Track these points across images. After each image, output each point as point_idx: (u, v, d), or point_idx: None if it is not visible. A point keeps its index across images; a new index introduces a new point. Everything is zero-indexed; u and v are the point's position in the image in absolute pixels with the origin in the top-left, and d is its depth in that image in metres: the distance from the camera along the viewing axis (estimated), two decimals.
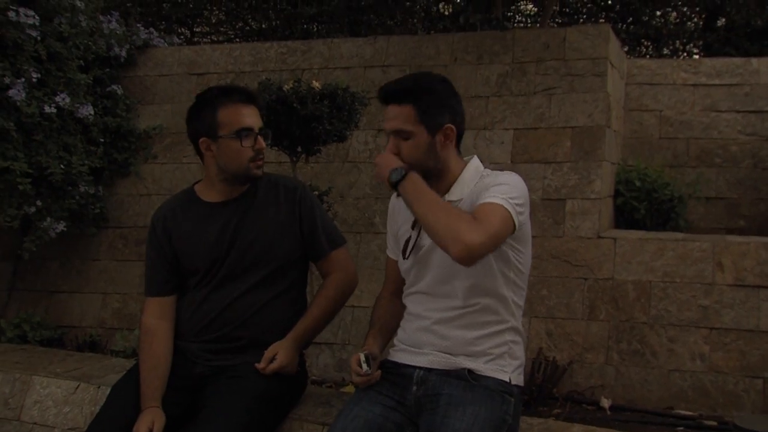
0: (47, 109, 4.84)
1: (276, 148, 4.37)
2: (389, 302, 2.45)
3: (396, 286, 2.43)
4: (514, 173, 2.20)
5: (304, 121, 4.09)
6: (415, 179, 2.10)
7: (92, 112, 5.16)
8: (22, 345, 4.71)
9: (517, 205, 2.09)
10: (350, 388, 4.45)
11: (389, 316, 2.40)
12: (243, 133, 2.55)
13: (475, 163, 2.26)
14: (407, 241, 2.27)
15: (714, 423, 4.00)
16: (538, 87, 5.09)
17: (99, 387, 3.28)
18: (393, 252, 2.43)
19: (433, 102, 2.14)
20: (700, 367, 4.27)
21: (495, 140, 5.06)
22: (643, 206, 5.18)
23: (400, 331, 2.36)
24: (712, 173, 5.77)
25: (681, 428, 3.92)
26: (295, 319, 2.62)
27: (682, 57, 7.90)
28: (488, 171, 2.24)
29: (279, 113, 4.09)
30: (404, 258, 2.28)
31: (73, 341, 5.15)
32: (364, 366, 2.18)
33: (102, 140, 5.37)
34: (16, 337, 5.00)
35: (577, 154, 4.85)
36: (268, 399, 2.58)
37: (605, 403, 4.24)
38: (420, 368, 2.21)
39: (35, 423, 3.37)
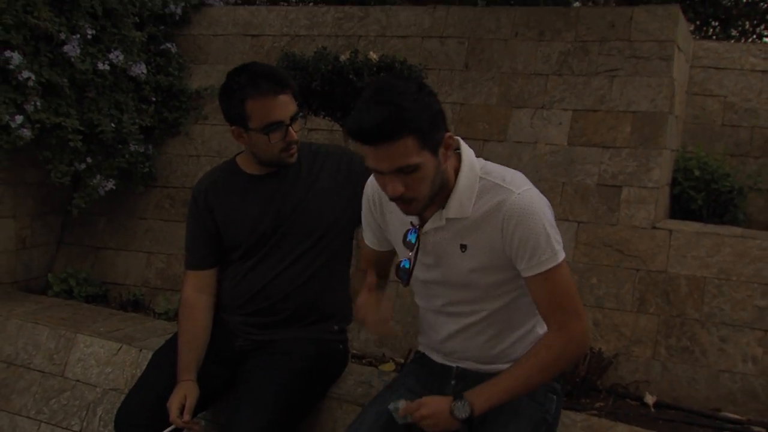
0: (101, 66, 4.81)
1: (329, 118, 4.30)
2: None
3: (370, 266, 2.23)
4: (517, 173, 1.96)
5: (360, 93, 4.00)
6: (482, 400, 1.89)
7: (145, 71, 5.13)
8: (68, 300, 4.77)
9: (556, 239, 1.89)
10: (389, 366, 4.42)
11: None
12: (272, 127, 2.48)
13: (467, 161, 1.94)
14: (404, 269, 2.08)
15: (762, 429, 3.88)
16: (600, 68, 4.92)
17: (141, 350, 3.34)
18: (371, 241, 2.25)
19: (427, 119, 1.80)
20: (751, 370, 4.15)
21: (553, 120, 4.92)
22: (700, 197, 5.02)
23: (421, 336, 2.27)
24: None
25: (728, 431, 3.82)
26: (338, 290, 2.57)
27: (751, 39, 7.60)
28: (485, 168, 1.95)
29: (334, 83, 4.00)
30: (404, 285, 2.12)
31: (117, 299, 5.19)
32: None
33: (154, 99, 5.34)
34: (63, 291, 5.06)
35: (636, 140, 4.69)
36: (308, 377, 2.57)
37: (650, 399, 4.15)
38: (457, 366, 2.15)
39: (78, 380, 3.44)
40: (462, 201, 1.91)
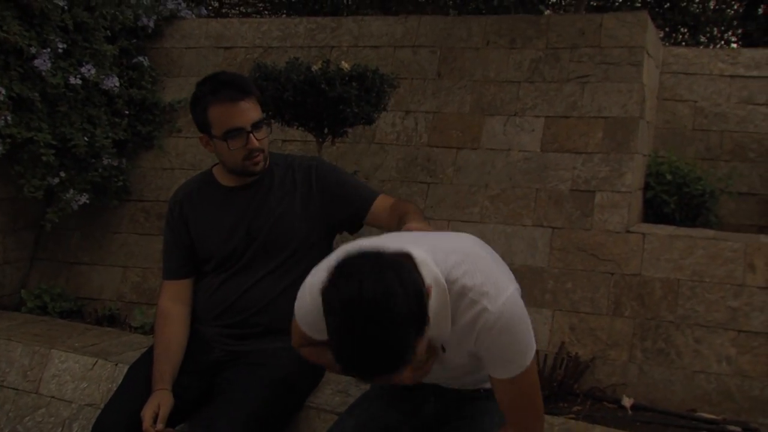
0: (72, 80, 4.78)
1: (302, 128, 4.31)
2: None
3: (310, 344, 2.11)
4: (486, 278, 1.76)
5: (332, 103, 4.02)
6: None
7: (117, 84, 5.11)
8: (42, 316, 4.72)
9: (530, 346, 1.79)
10: None
11: None
12: (231, 134, 2.48)
13: (433, 279, 1.72)
14: None
15: (738, 429, 3.91)
16: (571, 74, 4.97)
17: (117, 364, 3.31)
18: (314, 333, 2.00)
19: (415, 338, 1.59)
20: (726, 370, 4.18)
21: (525, 127, 4.95)
22: (673, 200, 5.06)
23: None
24: (746, 168, 5.62)
25: (704, 431, 3.85)
26: None
27: (719, 45, 7.70)
28: (450, 275, 1.75)
29: (306, 94, 4.02)
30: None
31: (92, 314, 5.14)
32: None
33: (127, 112, 5.32)
34: (37, 307, 5.01)
35: (608, 145, 4.73)
36: (285, 386, 2.56)
37: (627, 402, 4.17)
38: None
39: (53, 397, 3.40)
40: (440, 324, 1.76)
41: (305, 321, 1.98)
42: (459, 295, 1.75)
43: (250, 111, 2.48)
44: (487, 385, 2.03)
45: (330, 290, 1.57)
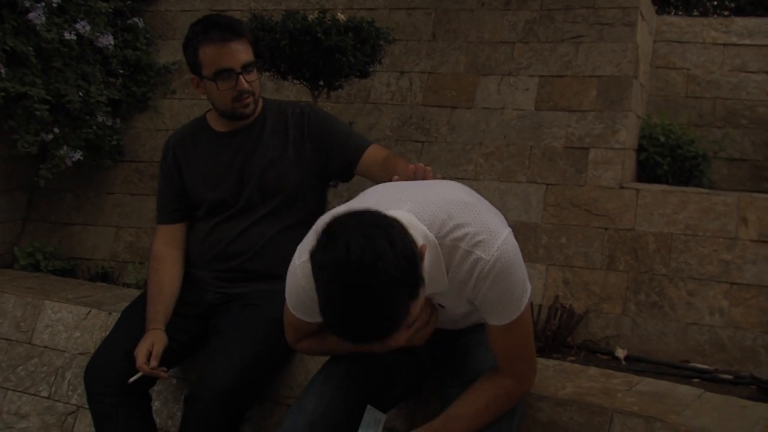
0: (67, 35, 4.77)
1: (297, 82, 4.31)
2: None
3: (305, 336, 2.11)
4: (478, 221, 1.75)
5: (328, 52, 4.02)
6: None
7: (112, 42, 5.09)
8: (35, 273, 4.70)
9: (525, 290, 1.81)
10: None
11: None
12: (221, 75, 2.49)
13: (421, 236, 1.70)
14: None
15: (729, 377, 3.94)
16: (565, 35, 4.99)
17: (110, 313, 3.29)
18: (305, 316, 1.98)
19: (408, 301, 1.58)
20: (718, 322, 4.21)
21: (519, 86, 4.97)
22: (666, 162, 5.08)
23: None
24: (738, 134, 5.65)
25: (696, 380, 3.87)
26: None
27: (713, 16, 7.73)
28: (436, 225, 1.74)
29: (302, 43, 4.02)
30: None
31: (85, 272, 5.13)
32: None
33: (121, 71, 5.30)
34: (29, 265, 4.98)
35: (602, 104, 4.76)
36: (279, 327, 2.56)
37: (620, 353, 4.19)
38: None
39: (46, 346, 3.39)
40: (435, 281, 1.74)
41: (299, 305, 1.93)
42: (452, 248, 1.74)
43: (240, 52, 2.49)
44: (478, 321, 2.04)
45: (317, 253, 1.53)
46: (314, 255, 1.54)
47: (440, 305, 1.87)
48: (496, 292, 1.75)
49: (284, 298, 1.98)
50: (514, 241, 1.79)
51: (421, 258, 1.59)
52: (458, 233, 1.73)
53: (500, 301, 1.77)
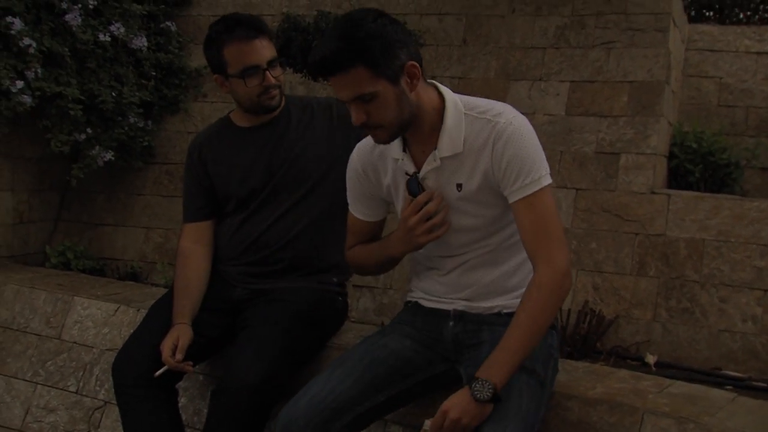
0: (102, 37, 4.83)
1: (328, 83, 4.32)
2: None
3: (361, 241, 2.25)
4: (499, 103, 1.97)
5: None
6: (497, 371, 1.82)
7: (145, 44, 5.15)
8: (66, 271, 4.75)
9: (543, 163, 1.91)
10: None
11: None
12: (248, 72, 2.50)
13: (450, 99, 1.95)
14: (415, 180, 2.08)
15: (764, 385, 3.88)
16: (597, 40, 4.97)
17: (138, 310, 3.30)
18: (362, 213, 2.20)
19: (379, 48, 1.80)
20: (751, 329, 4.15)
21: (550, 91, 4.95)
22: (698, 169, 5.03)
23: (414, 279, 2.24)
24: None
25: (729, 387, 3.81)
26: (337, 243, 2.55)
27: (746, 25, 7.68)
28: (468, 104, 1.96)
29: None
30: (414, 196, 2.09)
31: (114, 272, 5.17)
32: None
33: (153, 74, 5.36)
34: (60, 264, 5.04)
35: (634, 109, 4.73)
36: (307, 320, 2.55)
37: (651, 359, 4.14)
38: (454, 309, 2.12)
39: (75, 342, 3.40)
40: (452, 137, 1.93)
41: (353, 195, 2.18)
42: (474, 119, 1.94)
43: (264, 49, 2.50)
44: (502, 302, 2.05)
45: None
46: None
47: (458, 184, 1.98)
48: (510, 153, 1.87)
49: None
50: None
51: (416, 78, 1.88)
52: (483, 109, 1.95)
53: (516, 162, 1.87)
